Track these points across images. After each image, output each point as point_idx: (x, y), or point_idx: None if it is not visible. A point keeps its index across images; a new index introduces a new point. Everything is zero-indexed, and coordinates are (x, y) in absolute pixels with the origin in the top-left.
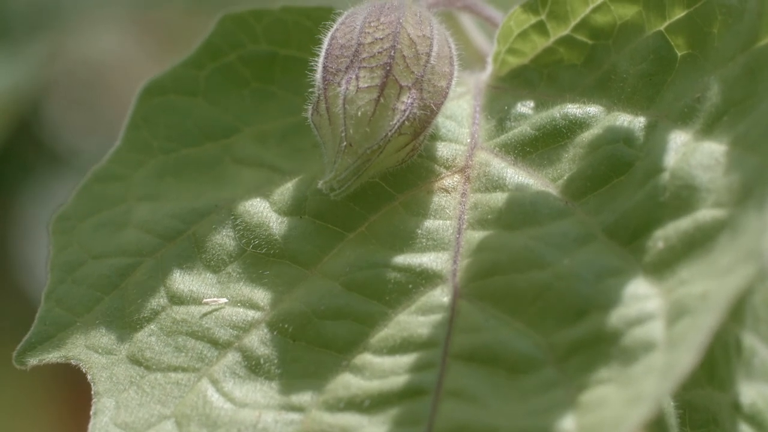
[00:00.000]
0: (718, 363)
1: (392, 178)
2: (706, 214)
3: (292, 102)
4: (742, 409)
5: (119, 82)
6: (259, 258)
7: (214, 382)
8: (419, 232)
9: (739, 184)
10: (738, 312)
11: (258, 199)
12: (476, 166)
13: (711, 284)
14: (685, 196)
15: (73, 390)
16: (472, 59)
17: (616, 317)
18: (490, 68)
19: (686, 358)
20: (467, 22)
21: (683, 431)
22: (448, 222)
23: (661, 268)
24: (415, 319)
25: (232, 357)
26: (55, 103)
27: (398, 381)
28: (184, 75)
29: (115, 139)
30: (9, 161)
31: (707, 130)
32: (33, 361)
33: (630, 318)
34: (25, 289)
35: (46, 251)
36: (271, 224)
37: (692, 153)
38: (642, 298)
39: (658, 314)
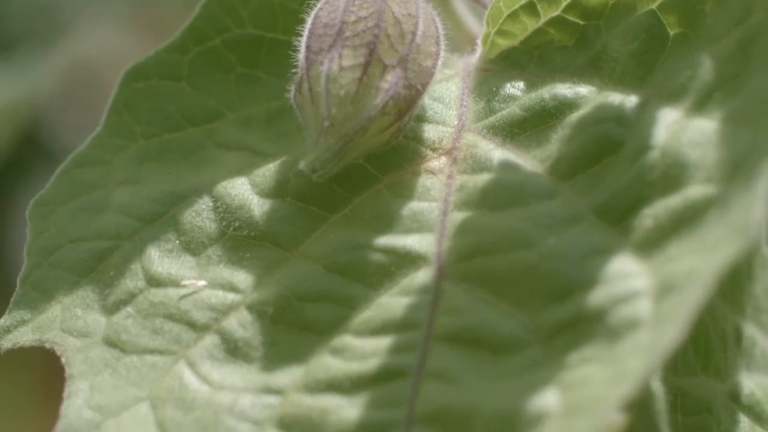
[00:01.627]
0: (715, 351)
1: (377, 160)
2: (695, 190)
3: (277, 86)
4: (739, 400)
5: (117, 79)
6: (239, 240)
7: (191, 365)
8: (404, 214)
9: (729, 159)
10: (738, 301)
11: (239, 182)
12: (463, 147)
13: (698, 260)
14: (674, 174)
15: (51, 383)
16: (462, 42)
17: (602, 296)
18: (479, 50)
19: (671, 334)
20: (458, 4)
21: (674, 417)
22: (433, 204)
23: (650, 246)
24: (398, 301)
25: (210, 340)
26: (53, 103)
27: (379, 363)
28: (167, 59)
29: None
30: (7, 162)
31: (698, 108)
32: (6, 344)
33: (616, 296)
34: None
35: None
36: (253, 206)
37: (683, 130)
38: (629, 276)
39: (645, 292)
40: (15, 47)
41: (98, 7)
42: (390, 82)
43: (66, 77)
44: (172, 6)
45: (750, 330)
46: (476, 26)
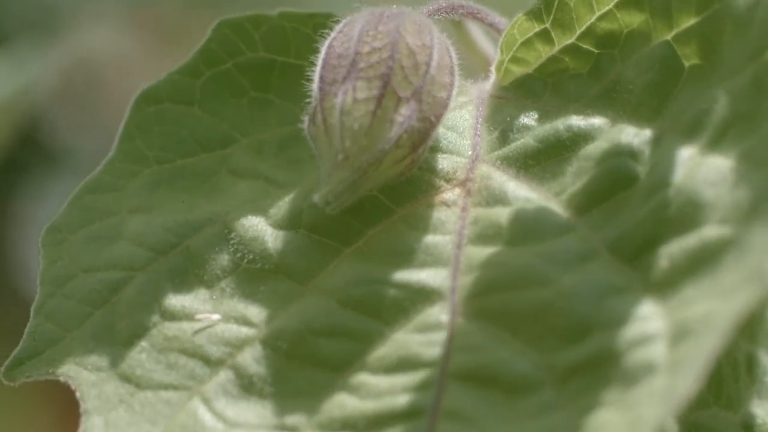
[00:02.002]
0: (727, 381)
1: (391, 192)
2: (711, 231)
3: (289, 111)
4: (753, 429)
5: (117, 80)
6: (253, 273)
7: (206, 401)
8: (418, 247)
9: (745, 200)
10: (750, 329)
11: (253, 213)
12: (477, 179)
13: (714, 304)
14: (690, 213)
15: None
16: (477, 67)
17: (617, 338)
18: (493, 78)
19: (687, 382)
20: (473, 28)
21: None
22: (447, 237)
23: (665, 287)
24: (413, 338)
25: (224, 375)
26: (52, 102)
27: (394, 401)
28: (180, 83)
29: (113, 139)
30: (5, 161)
31: (714, 144)
32: (21, 377)
33: (632, 339)
34: (21, 289)
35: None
36: (267, 238)
37: (698, 168)
38: (645, 318)
39: (661, 335)
40: (12, 43)
41: (97, 5)
42: (404, 114)
43: (65, 75)
44: (171, 4)
45: (763, 359)
46: (490, 49)
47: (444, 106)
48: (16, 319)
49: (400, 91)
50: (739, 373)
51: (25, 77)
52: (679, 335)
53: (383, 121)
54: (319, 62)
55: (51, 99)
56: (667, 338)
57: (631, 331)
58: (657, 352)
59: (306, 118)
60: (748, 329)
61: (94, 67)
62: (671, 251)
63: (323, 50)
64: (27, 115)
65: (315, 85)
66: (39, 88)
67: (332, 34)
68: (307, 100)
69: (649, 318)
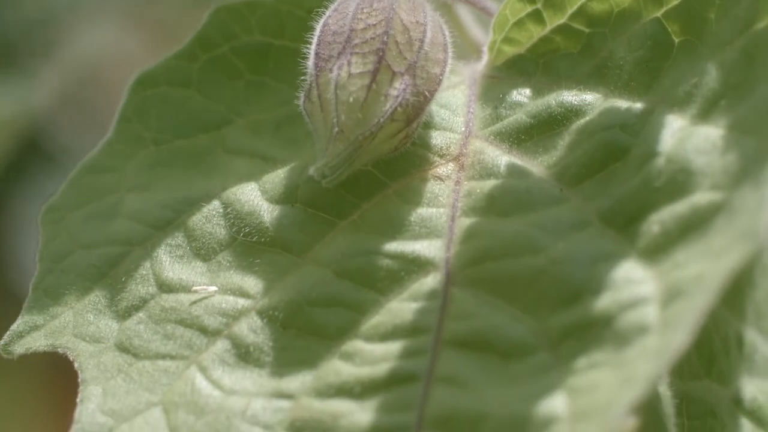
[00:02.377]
0: (718, 356)
1: (385, 166)
2: (702, 197)
3: (285, 93)
4: (742, 404)
5: (115, 79)
6: (249, 246)
7: (203, 370)
8: (412, 219)
9: (735, 166)
10: (740, 307)
11: (249, 187)
12: (470, 154)
13: (705, 265)
14: (681, 181)
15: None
16: (468, 50)
17: (609, 301)
18: (485, 58)
19: (679, 339)
20: (463, 12)
21: (680, 421)
22: (441, 210)
23: (656, 252)
24: (407, 306)
25: (221, 345)
26: (51, 102)
27: (389, 367)
28: (177, 66)
29: None
30: (6, 163)
31: (704, 115)
32: (19, 350)
33: (624, 302)
34: (20, 289)
35: (37, 249)
36: (263, 212)
37: (689, 137)
38: (636, 281)
39: (652, 297)
40: (13, 54)
41: (97, 5)
42: (398, 89)
43: (66, 78)
44: (172, 7)
45: (751, 335)
46: (481, 34)
47: (437, 81)
48: (9, 316)
49: (395, 66)
50: (730, 348)
51: (26, 90)
52: (670, 297)
53: (378, 95)
54: (314, 40)
55: (51, 99)
56: (658, 300)
57: (623, 294)
58: (649, 313)
59: (301, 95)
60: (738, 307)
61: (94, 67)
62: (662, 218)
63: (318, 28)
64: (26, 116)
65: (310, 62)
66: (40, 98)
67: (327, 12)
68: (303, 79)
69: (640, 281)
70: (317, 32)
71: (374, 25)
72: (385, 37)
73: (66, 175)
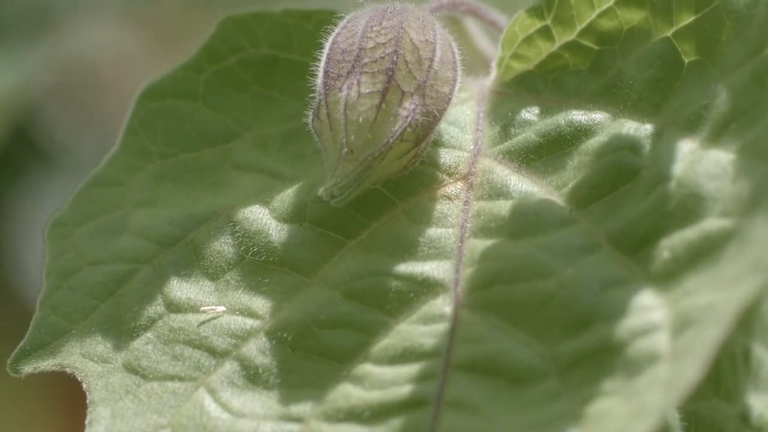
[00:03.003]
0: (725, 374)
1: (394, 185)
2: (712, 223)
3: (293, 107)
4: (749, 421)
5: (114, 78)
6: (258, 266)
7: (212, 392)
8: (421, 240)
9: (746, 193)
10: (746, 322)
11: (257, 206)
12: (479, 173)
13: (717, 295)
14: (691, 206)
15: (72, 390)
16: (476, 64)
17: (620, 328)
18: (494, 74)
19: (691, 371)
20: (472, 26)
21: None
22: (450, 230)
23: (667, 278)
24: (417, 329)
25: (229, 366)
26: (48, 101)
27: (399, 392)
28: (184, 79)
29: (110, 138)
30: (1, 161)
31: (714, 138)
32: (27, 369)
33: (634, 329)
34: (18, 290)
35: (38, 252)
36: (271, 231)
37: (699, 161)
38: (647, 308)
39: (663, 325)
40: (7, 41)
41: (96, 6)
42: (408, 109)
43: (61, 74)
44: (171, 6)
45: (758, 351)
46: (489, 47)
47: (447, 100)
48: (11, 318)
49: (404, 85)
50: (737, 365)
51: (20, 76)
52: (681, 325)
53: (387, 115)
54: (323, 57)
55: (47, 97)
56: (669, 328)
57: (634, 321)
58: (660, 341)
59: (310, 113)
60: (744, 323)
61: (91, 65)
62: (673, 243)
63: (327, 46)
64: (23, 114)
65: (319, 80)
66: (35, 86)
67: (336, 30)
68: (311, 95)
69: (651, 309)
70: (326, 50)
71: (384, 44)
72: (395, 57)
73: (65, 174)
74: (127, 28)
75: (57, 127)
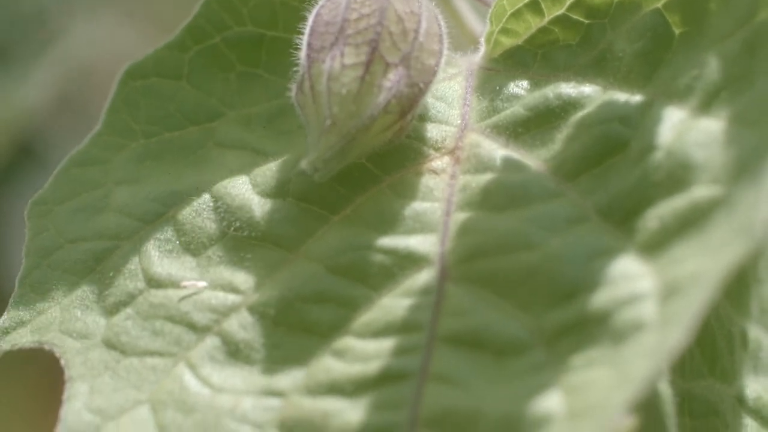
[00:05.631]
0: (722, 354)
1: (379, 160)
2: (700, 191)
3: (278, 85)
4: (746, 403)
5: (111, 79)
6: (240, 241)
7: (192, 367)
8: (406, 214)
9: (736, 160)
10: (744, 303)
11: (240, 181)
12: (466, 147)
13: (703, 262)
14: (680, 175)
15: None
16: (464, 41)
17: (606, 297)
18: (482, 49)
19: (677, 336)
20: (459, 2)
21: (682, 420)
22: (436, 204)
23: (655, 247)
24: (400, 303)
25: (210, 342)
26: (46, 106)
27: (381, 365)
28: (167, 58)
29: None
30: None
31: (704, 108)
32: (5, 346)
33: (621, 298)
34: (4, 287)
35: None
36: (253, 206)
37: (688, 131)
38: (633, 277)
39: (650, 294)
40: (4, 52)
41: (92, 6)
42: (392, 80)
43: (59, 78)
44: (169, 5)
45: (756, 333)
46: (478, 25)
47: (432, 73)
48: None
49: (389, 57)
50: (734, 346)
51: (20, 94)
52: (668, 293)
53: (371, 86)
54: (307, 30)
55: (43, 99)
56: (656, 296)
57: (620, 290)
58: (646, 310)
59: (294, 87)
60: (743, 304)
61: (88, 67)
62: (661, 212)
63: (311, 18)
64: (18, 116)
65: (303, 53)
66: (34, 100)
67: (320, 2)
68: (296, 71)
69: (637, 277)
70: (309, 22)
71: (368, 15)
72: (379, 28)
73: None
74: (124, 28)
75: (55, 133)
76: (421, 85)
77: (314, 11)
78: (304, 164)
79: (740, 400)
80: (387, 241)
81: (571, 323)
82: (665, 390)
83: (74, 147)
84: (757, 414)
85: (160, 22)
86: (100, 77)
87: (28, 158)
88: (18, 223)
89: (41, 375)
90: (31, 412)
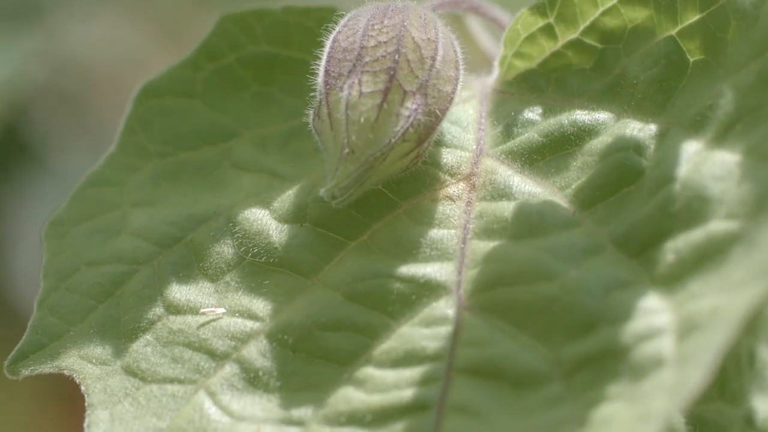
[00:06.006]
0: (730, 376)
1: (395, 186)
2: (718, 226)
3: (293, 105)
4: (754, 424)
5: (108, 77)
6: (258, 267)
7: (212, 395)
8: (423, 241)
9: (752, 195)
10: (751, 324)
11: (257, 206)
12: (482, 173)
13: (722, 299)
14: (696, 208)
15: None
16: (478, 62)
17: (624, 332)
18: (496, 72)
19: (696, 376)
20: (473, 24)
21: None
22: (452, 231)
23: (672, 281)
24: (419, 332)
25: (229, 369)
26: (39, 100)
27: (401, 395)
28: (181, 77)
29: (103, 139)
30: None
31: (720, 139)
32: (25, 371)
33: (639, 333)
34: (6, 291)
35: (29, 253)
36: (271, 232)
37: (704, 162)
38: (651, 312)
39: (668, 329)
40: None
41: (90, 7)
42: (410, 108)
43: (53, 71)
44: (169, 7)
45: (763, 353)
46: (491, 45)
47: (449, 100)
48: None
49: (406, 85)
50: (742, 368)
51: (10, 73)
52: (686, 329)
53: (389, 114)
54: (324, 56)
55: (38, 96)
56: (674, 332)
57: (638, 325)
58: (664, 345)
59: (311, 112)
60: (749, 325)
61: (84, 63)
62: (677, 246)
63: (328, 44)
64: (13, 113)
65: (320, 79)
66: (26, 84)
67: (337, 28)
68: (311, 94)
69: (655, 312)
70: (327, 48)
71: (385, 42)
72: (397, 56)
73: (52, 174)
74: (122, 24)
75: (48, 127)
76: (438, 112)
77: (331, 37)
78: (322, 192)
79: (749, 421)
80: (404, 269)
81: (590, 356)
82: (678, 420)
83: (71, 144)
84: None
85: (158, 20)
86: (98, 75)
87: (25, 155)
88: (14, 217)
89: (62, 401)
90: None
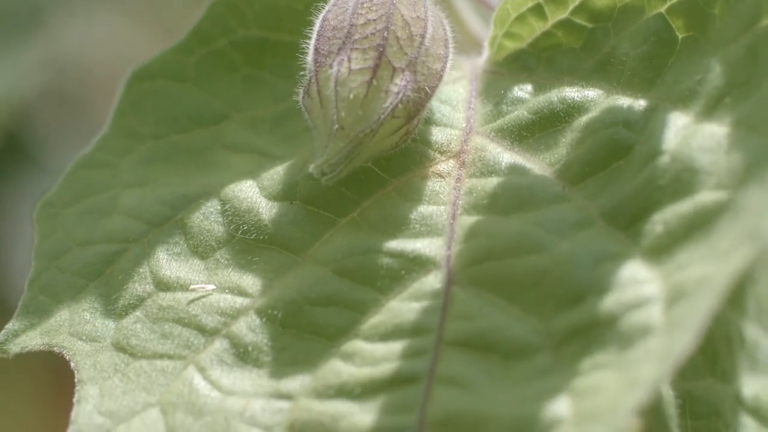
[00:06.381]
0: (721, 354)
1: (385, 163)
2: (706, 196)
3: (283, 87)
4: (745, 402)
5: (108, 79)
6: (248, 244)
7: (201, 370)
8: (413, 217)
9: (740, 165)
10: (741, 303)
11: (248, 184)
12: (471, 150)
13: (710, 267)
14: (685, 179)
15: (60, 389)
16: (467, 43)
17: (613, 301)
18: (486, 53)
19: (684, 341)
20: (462, 5)
21: (683, 422)
22: (442, 207)
23: (660, 252)
24: (408, 306)
25: (219, 344)
26: (39, 102)
27: (390, 368)
28: (173, 60)
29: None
30: None
31: (708, 112)
32: (15, 348)
33: (627, 302)
34: (5, 294)
35: (27, 253)
36: (261, 210)
37: (693, 135)
38: (640, 282)
39: (656, 298)
40: (3, 44)
41: (89, 7)
42: (399, 85)
43: (52, 73)
44: (169, 6)
45: (753, 332)
46: (480, 27)
47: (438, 77)
48: None
49: (395, 61)
50: (733, 346)
51: (10, 76)
52: (674, 298)
53: (378, 91)
54: (314, 35)
55: (38, 98)
56: (662, 301)
57: (627, 295)
58: (653, 314)
59: (301, 91)
60: (739, 304)
61: (84, 65)
62: (666, 217)
63: (318, 23)
64: (12, 116)
65: (310, 57)
66: (26, 87)
67: (327, 7)
68: (302, 74)
69: (644, 282)
70: (316, 27)
71: (374, 20)
72: (386, 33)
73: (51, 176)
74: (122, 25)
75: (48, 129)
76: (428, 89)
77: (321, 16)
78: (311, 168)
79: (738, 399)
80: (394, 245)
81: (579, 327)
82: (667, 391)
83: (70, 145)
84: (756, 413)
85: (158, 21)
86: (97, 75)
87: (24, 156)
88: (14, 220)
89: (50, 372)
90: (42, 410)
